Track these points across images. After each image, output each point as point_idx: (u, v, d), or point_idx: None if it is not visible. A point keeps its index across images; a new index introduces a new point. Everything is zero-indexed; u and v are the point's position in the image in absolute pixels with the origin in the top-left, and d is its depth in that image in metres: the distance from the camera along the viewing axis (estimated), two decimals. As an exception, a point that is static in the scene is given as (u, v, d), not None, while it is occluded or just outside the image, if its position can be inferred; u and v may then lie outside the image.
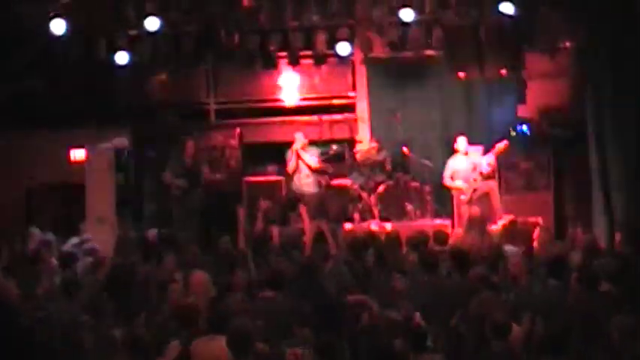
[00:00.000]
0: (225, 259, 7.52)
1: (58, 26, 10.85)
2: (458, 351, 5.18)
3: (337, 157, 11.80)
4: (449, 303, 6.11)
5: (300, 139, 10.98)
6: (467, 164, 10.93)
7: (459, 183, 10.80)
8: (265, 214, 10.01)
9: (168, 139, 11.52)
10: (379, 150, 11.58)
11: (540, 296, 6.17)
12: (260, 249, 8.15)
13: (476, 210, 9.25)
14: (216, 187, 11.16)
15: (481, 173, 10.76)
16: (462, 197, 10.78)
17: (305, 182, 11.05)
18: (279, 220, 10.55)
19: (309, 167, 10.91)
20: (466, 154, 11.02)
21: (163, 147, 11.73)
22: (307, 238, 9.07)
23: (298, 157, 10.88)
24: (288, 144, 11.25)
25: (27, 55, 11.03)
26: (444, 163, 11.28)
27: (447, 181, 11.03)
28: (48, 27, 10.82)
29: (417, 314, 5.57)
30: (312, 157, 11.15)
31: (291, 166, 10.92)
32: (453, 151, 11.19)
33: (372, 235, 8.67)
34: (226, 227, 10.01)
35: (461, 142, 11.01)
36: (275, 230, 9.67)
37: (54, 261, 7.80)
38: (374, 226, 10.58)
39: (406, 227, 10.28)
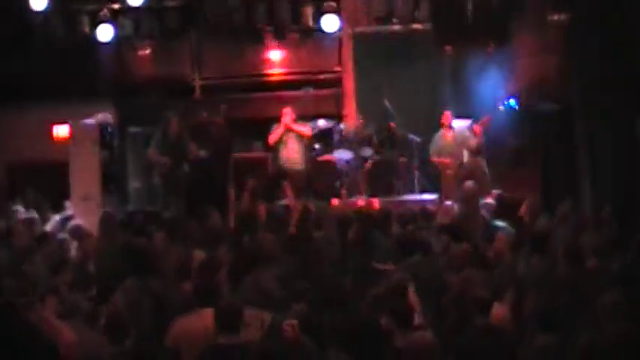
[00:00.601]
0: (213, 236, 7.45)
1: (38, 1, 10.85)
2: (443, 327, 5.17)
3: (324, 132, 11.77)
4: (439, 281, 6.12)
5: (289, 113, 10.91)
6: (453, 139, 10.96)
7: (445, 158, 10.86)
8: (252, 192, 9.94)
9: (153, 115, 11.32)
10: (366, 125, 11.67)
11: (525, 273, 6.20)
12: (247, 227, 8.06)
13: (469, 184, 9.01)
14: (203, 164, 10.97)
15: (469, 148, 10.81)
16: (449, 172, 10.85)
17: (292, 157, 10.95)
18: (266, 197, 10.48)
19: (304, 135, 10.78)
20: (451, 128, 11.03)
21: (148, 123, 11.62)
22: (294, 215, 9.02)
23: (288, 129, 10.78)
24: (275, 119, 11.15)
25: (8, 30, 11.12)
26: (431, 139, 11.30)
27: (434, 157, 11.07)
28: (28, 2, 10.85)
29: (411, 290, 5.51)
30: (303, 126, 11.00)
31: (272, 138, 10.79)
32: (440, 126, 11.22)
33: (359, 212, 8.65)
34: (214, 205, 9.83)
35: (447, 117, 11.04)
36: (262, 208, 9.63)
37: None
38: (361, 202, 10.65)
39: (394, 203, 10.39)
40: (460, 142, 10.88)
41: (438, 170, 11.16)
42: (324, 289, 5.19)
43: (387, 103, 11.65)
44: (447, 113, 11.02)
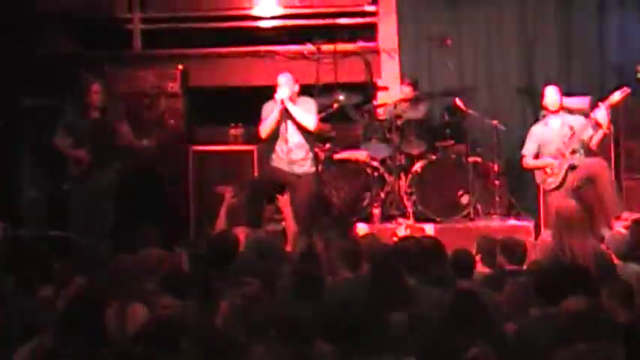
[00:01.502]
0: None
1: None
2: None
3: (345, 113, 11.79)
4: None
5: (286, 84, 10.54)
6: (561, 130, 10.74)
7: (546, 160, 10.73)
8: (229, 209, 9.83)
9: (62, 78, 11.40)
10: (416, 102, 11.66)
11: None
12: (218, 266, 7.90)
13: (570, 204, 8.85)
14: (143, 160, 11.20)
15: (587, 144, 10.58)
16: (550, 180, 10.66)
17: (294, 156, 10.73)
18: (249, 217, 10.28)
19: (304, 129, 10.57)
20: (559, 110, 10.80)
21: (53, 91, 11.65)
22: (291, 245, 9.04)
23: (285, 114, 10.58)
24: (265, 91, 10.89)
25: None
26: (524, 128, 11.26)
27: (529, 161, 10.82)
28: None
29: None
30: (307, 114, 10.59)
31: (266, 126, 10.58)
32: (538, 109, 11.05)
33: (403, 249, 8.20)
34: (161, 229, 10.12)
35: (551, 95, 10.80)
36: (242, 234, 9.33)
37: None
38: (402, 229, 10.43)
39: (461, 231, 10.46)
40: (571, 135, 10.68)
41: (536, 180, 10.94)
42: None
43: (451, 66, 11.75)
44: (551, 89, 10.83)
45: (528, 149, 10.84)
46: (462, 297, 6.34)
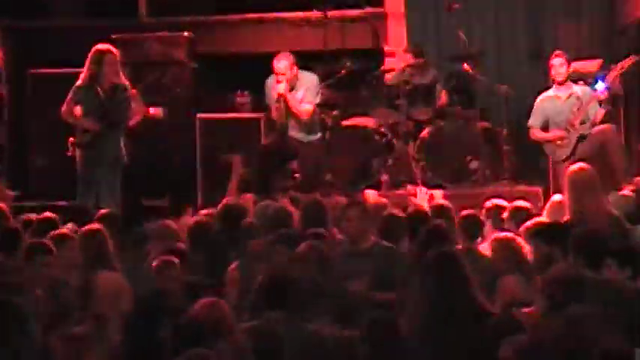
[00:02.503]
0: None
1: None
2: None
3: (352, 79, 11.74)
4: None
5: (284, 72, 10.60)
6: (568, 101, 10.68)
7: (555, 132, 10.71)
8: (240, 177, 10.09)
9: (70, 47, 11.38)
10: (424, 67, 11.56)
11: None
12: (230, 235, 8.05)
13: (582, 167, 8.78)
14: (153, 129, 11.15)
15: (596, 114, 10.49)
16: (560, 152, 10.64)
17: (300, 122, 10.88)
18: (258, 185, 10.42)
19: (301, 118, 10.74)
20: (565, 81, 10.67)
21: (61, 60, 11.55)
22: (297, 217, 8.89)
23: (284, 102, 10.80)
24: (271, 58, 10.87)
25: None
26: (533, 93, 11.15)
27: (537, 133, 10.80)
28: None
29: None
30: (304, 103, 10.77)
31: (276, 113, 10.79)
32: (548, 74, 10.91)
33: (416, 214, 8.33)
34: (171, 198, 10.32)
35: (557, 66, 10.72)
36: (249, 202, 9.53)
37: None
38: (420, 195, 10.40)
39: (470, 197, 10.29)
40: (583, 106, 10.59)
41: (544, 149, 10.97)
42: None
43: (462, 36, 11.63)
44: (558, 59, 10.69)
45: (535, 121, 10.81)
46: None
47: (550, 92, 10.82)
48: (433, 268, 6.24)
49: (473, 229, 7.96)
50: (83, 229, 7.78)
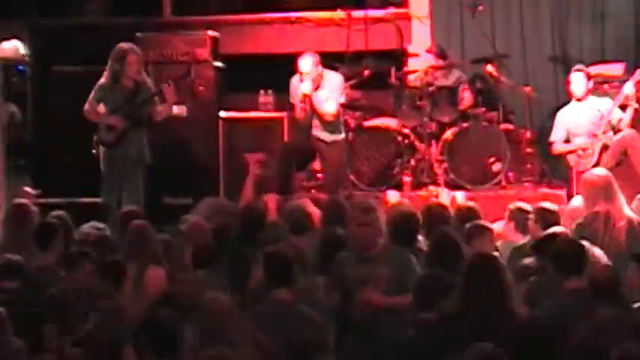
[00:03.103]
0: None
1: None
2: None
3: (375, 80, 11.72)
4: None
5: (309, 72, 10.60)
6: (589, 113, 10.64)
7: (578, 142, 10.64)
8: (258, 176, 9.97)
9: (94, 45, 11.37)
10: (447, 69, 11.59)
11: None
12: (247, 236, 8.07)
13: (598, 174, 8.77)
14: (177, 127, 11.32)
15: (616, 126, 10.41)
16: (584, 162, 10.55)
17: (323, 121, 10.87)
18: (280, 184, 10.48)
19: (325, 119, 10.75)
20: (586, 97, 10.60)
21: (85, 58, 11.62)
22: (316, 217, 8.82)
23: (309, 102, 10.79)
24: (295, 58, 10.90)
25: None
26: (556, 95, 11.40)
27: (559, 147, 10.75)
28: None
29: None
30: (329, 102, 10.74)
31: (300, 113, 10.81)
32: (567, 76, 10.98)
33: (434, 213, 8.31)
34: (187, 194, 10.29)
35: (577, 83, 10.65)
36: (272, 202, 9.55)
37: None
38: (442, 197, 10.39)
39: (492, 199, 10.34)
40: (605, 117, 10.50)
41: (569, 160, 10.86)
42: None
43: (487, 33, 11.71)
44: (578, 74, 10.63)
45: (557, 135, 10.73)
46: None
47: (570, 106, 10.75)
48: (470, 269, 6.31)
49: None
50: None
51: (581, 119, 10.60)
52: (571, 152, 10.69)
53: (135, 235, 7.61)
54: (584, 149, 10.53)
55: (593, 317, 5.60)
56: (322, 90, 10.64)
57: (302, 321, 6.19)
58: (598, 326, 5.47)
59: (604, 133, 10.47)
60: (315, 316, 6.26)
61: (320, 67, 10.67)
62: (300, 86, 10.66)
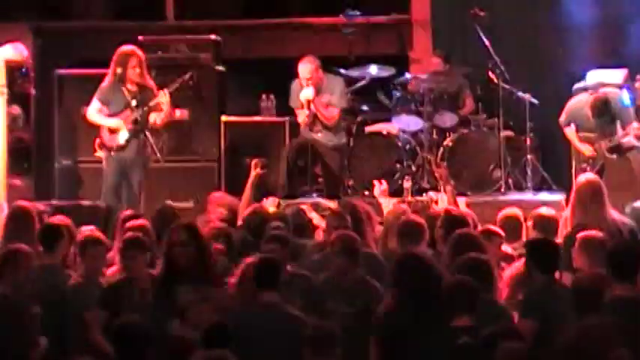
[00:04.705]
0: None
1: None
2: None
3: (376, 86, 11.77)
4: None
5: (309, 77, 10.70)
6: (600, 120, 10.56)
7: (583, 148, 10.64)
8: (256, 179, 9.65)
9: (96, 48, 11.57)
10: (449, 74, 11.63)
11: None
12: (249, 239, 8.01)
13: (589, 180, 8.72)
14: (178, 131, 11.31)
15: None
16: (584, 165, 10.58)
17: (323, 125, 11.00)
18: (281, 187, 10.64)
19: (328, 122, 10.83)
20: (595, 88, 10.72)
21: (87, 61, 11.71)
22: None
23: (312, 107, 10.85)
24: (297, 62, 10.97)
25: None
26: (557, 102, 11.17)
27: (570, 133, 10.74)
28: None
29: None
30: (331, 108, 10.85)
31: (303, 119, 10.91)
32: (571, 83, 11.10)
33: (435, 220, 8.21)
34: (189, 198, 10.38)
35: (592, 79, 10.87)
36: (272, 202, 9.67)
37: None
38: (442, 203, 10.13)
39: (492, 205, 10.21)
40: (616, 112, 10.51)
41: (569, 154, 10.97)
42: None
43: (484, 38, 11.56)
44: (593, 73, 10.98)
45: (564, 121, 10.76)
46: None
47: (582, 97, 10.70)
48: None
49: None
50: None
51: (593, 121, 10.54)
52: (575, 143, 10.64)
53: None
54: (585, 154, 10.52)
55: (579, 325, 5.58)
56: (324, 94, 10.67)
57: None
58: (585, 334, 5.43)
59: (609, 142, 10.46)
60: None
61: (320, 72, 10.70)
62: (301, 92, 10.68)
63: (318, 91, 10.72)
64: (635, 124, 10.45)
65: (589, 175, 9.00)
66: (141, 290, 6.70)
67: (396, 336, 5.93)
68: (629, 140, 10.47)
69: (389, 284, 6.33)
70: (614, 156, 10.55)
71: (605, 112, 10.50)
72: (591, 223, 8.04)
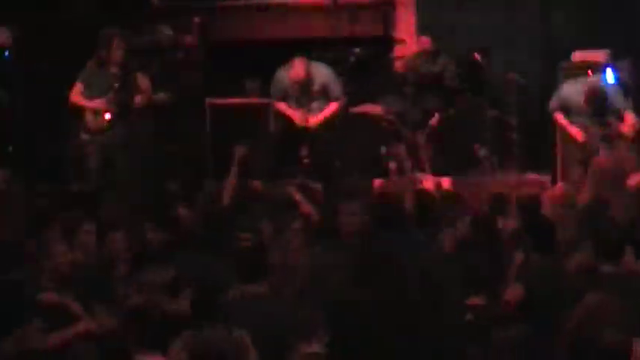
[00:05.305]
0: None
1: None
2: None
3: (361, 67, 11.71)
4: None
5: (297, 77, 10.62)
6: (594, 89, 10.45)
7: (573, 130, 10.51)
8: (242, 163, 9.66)
9: (80, 32, 11.34)
10: (433, 55, 11.57)
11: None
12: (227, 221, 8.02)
13: (606, 158, 9.13)
14: (162, 115, 11.13)
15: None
16: (580, 136, 10.50)
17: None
18: (265, 171, 10.58)
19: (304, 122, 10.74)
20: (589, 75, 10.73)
21: (71, 45, 11.49)
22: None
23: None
24: (281, 43, 11.21)
25: None
26: (545, 85, 11.25)
27: (560, 119, 10.57)
28: None
29: None
30: (332, 103, 10.75)
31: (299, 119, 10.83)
32: (559, 65, 11.13)
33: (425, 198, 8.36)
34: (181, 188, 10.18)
35: (577, 58, 11.03)
36: (257, 186, 9.73)
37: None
38: (428, 183, 10.35)
39: (477, 185, 10.39)
40: (607, 96, 10.33)
41: (553, 135, 10.91)
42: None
43: (470, 19, 11.83)
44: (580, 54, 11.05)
45: (554, 106, 10.62)
46: None
47: (573, 82, 10.56)
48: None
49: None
50: None
51: (581, 98, 10.46)
52: (562, 126, 10.57)
53: None
54: (582, 137, 10.44)
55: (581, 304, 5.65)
56: (315, 100, 10.65)
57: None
58: (587, 312, 5.52)
59: (607, 124, 10.33)
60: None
61: (309, 71, 10.59)
62: (283, 81, 10.66)
63: (307, 91, 10.66)
64: (631, 116, 10.36)
65: (602, 156, 9.14)
66: None
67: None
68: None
69: None
70: (606, 144, 10.37)
71: (601, 108, 10.42)
72: (605, 202, 8.12)
